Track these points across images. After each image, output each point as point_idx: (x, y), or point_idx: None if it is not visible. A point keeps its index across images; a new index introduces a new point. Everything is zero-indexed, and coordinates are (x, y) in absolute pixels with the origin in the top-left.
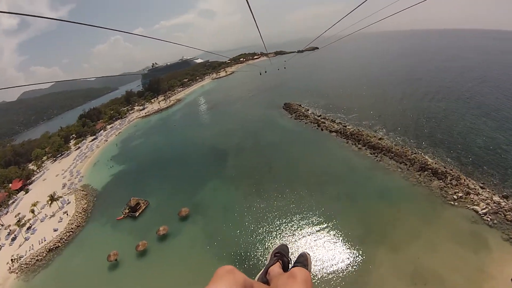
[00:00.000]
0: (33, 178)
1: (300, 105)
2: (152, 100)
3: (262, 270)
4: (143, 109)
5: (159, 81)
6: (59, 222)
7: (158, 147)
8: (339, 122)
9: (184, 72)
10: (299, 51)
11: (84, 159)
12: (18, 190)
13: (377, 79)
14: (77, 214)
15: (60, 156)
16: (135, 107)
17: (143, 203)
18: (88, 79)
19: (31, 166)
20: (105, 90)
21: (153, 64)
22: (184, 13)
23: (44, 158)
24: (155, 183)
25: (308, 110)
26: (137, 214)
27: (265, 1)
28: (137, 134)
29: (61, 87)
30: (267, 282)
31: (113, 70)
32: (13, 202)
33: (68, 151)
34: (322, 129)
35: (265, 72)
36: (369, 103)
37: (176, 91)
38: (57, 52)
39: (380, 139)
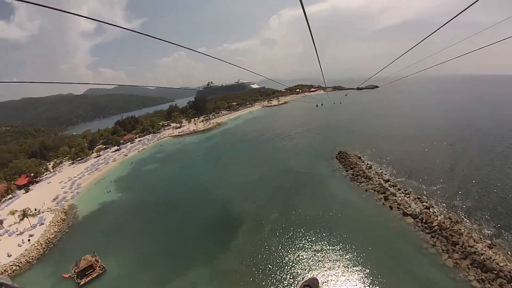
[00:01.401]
0: (43, 177)
1: (359, 158)
2: (193, 120)
3: None
4: (180, 127)
5: (205, 100)
6: (19, 245)
7: (166, 182)
8: (417, 198)
9: (235, 95)
10: (358, 88)
11: (93, 171)
12: (22, 187)
13: (458, 130)
14: (37, 244)
15: (79, 160)
16: (171, 124)
17: (98, 267)
18: (148, 87)
19: (50, 164)
20: (160, 100)
21: (209, 82)
22: (247, 39)
23: (66, 158)
24: (131, 239)
25: (370, 167)
26: (83, 282)
27: (323, 36)
28: (157, 157)
29: (123, 90)
30: None
31: (173, 83)
32: (10, 198)
33: (87, 157)
34: (391, 207)
35: (321, 104)
36: (454, 167)
37: (220, 113)
38: (125, 58)
39: (491, 245)
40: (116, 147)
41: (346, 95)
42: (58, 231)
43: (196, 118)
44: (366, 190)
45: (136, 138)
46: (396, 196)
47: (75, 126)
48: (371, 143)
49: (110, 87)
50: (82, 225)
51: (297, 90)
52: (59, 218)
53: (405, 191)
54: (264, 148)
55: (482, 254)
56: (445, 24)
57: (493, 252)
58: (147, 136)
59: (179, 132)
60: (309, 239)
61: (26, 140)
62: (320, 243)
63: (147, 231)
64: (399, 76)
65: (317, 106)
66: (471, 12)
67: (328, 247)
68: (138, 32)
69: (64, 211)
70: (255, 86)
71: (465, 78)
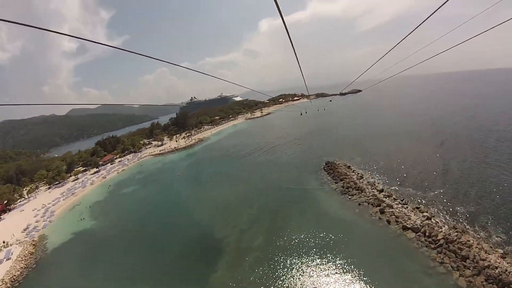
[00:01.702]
0: (16, 204)
1: (349, 167)
2: (174, 137)
3: None
4: (161, 145)
5: (186, 116)
6: None
7: (143, 206)
8: (416, 208)
9: (218, 109)
10: (341, 94)
11: (69, 196)
12: None
13: (446, 127)
14: (1, 283)
15: (56, 184)
16: (153, 142)
17: None
18: (131, 105)
19: (26, 189)
20: (144, 118)
21: (192, 98)
22: (229, 52)
23: (43, 182)
24: (102, 275)
25: (361, 177)
26: None
27: (305, 42)
28: (136, 178)
29: (107, 110)
30: None
31: (157, 100)
32: None
33: (64, 181)
34: (389, 221)
35: (306, 112)
36: (448, 167)
37: (203, 128)
38: (108, 77)
39: (504, 255)
40: (95, 169)
41: (330, 101)
42: (25, 267)
43: (178, 135)
44: (359, 204)
45: (116, 158)
46: (392, 208)
47: (58, 148)
48: (359, 150)
49: (93, 107)
50: (51, 259)
51: (281, 100)
52: (27, 251)
53: (402, 200)
54: (247, 163)
55: (496, 267)
56: (419, 25)
57: (508, 263)
58: (127, 156)
59: (160, 151)
60: (299, 268)
61: (4, 164)
62: (311, 271)
63: (117, 264)
64: (381, 78)
65: (301, 114)
66: (454, 6)
67: (321, 276)
68: (121, 49)
69: (34, 243)
70: (238, 98)
71: (450, 75)
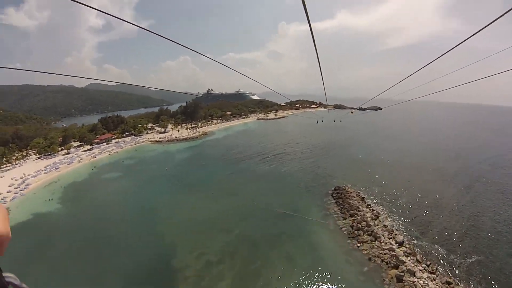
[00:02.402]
0: (1, 168)
1: (363, 199)
2: (179, 126)
3: None
4: (164, 132)
5: (197, 106)
6: None
7: (115, 199)
8: (447, 283)
9: (232, 105)
10: (360, 108)
11: (51, 171)
12: None
13: (473, 165)
14: None
15: (48, 155)
16: (156, 128)
17: None
18: (150, 88)
19: (16, 155)
20: (160, 103)
21: (208, 89)
22: (253, 50)
23: (34, 151)
24: (46, 270)
25: (377, 216)
26: None
27: (328, 52)
28: (124, 164)
29: (125, 88)
30: None
31: (175, 87)
32: None
33: (55, 153)
34: None
35: (322, 121)
36: (486, 224)
37: (211, 121)
38: (130, 57)
39: None
40: (88, 147)
41: (352, 112)
42: None
43: (183, 125)
44: (369, 259)
45: (114, 138)
46: (415, 277)
47: (71, 118)
48: (376, 177)
49: (112, 83)
50: None
51: (297, 105)
52: None
53: (428, 266)
54: (244, 170)
55: None
56: (446, 52)
57: None
58: (126, 138)
59: (159, 138)
60: None
61: (5, 126)
62: None
63: (62, 265)
64: (402, 99)
65: (317, 122)
66: (479, 38)
67: None
68: (146, 30)
69: None
70: (255, 97)
71: (469, 106)
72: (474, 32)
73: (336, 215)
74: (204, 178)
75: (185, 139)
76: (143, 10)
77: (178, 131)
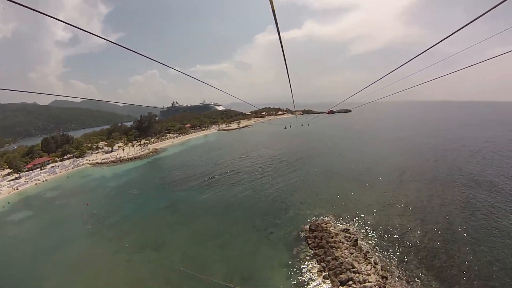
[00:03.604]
0: None
1: (355, 243)
2: (130, 143)
3: None
4: (111, 151)
5: (153, 120)
6: None
7: (8, 250)
8: None
9: (194, 117)
10: (329, 112)
11: None
12: None
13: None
14: None
15: None
16: (101, 148)
17: None
18: (117, 104)
19: None
20: (126, 118)
21: (173, 102)
22: (221, 62)
23: None
24: None
25: (371, 267)
26: None
27: (297, 60)
28: (44, 198)
29: (91, 105)
30: None
31: (144, 102)
32: None
33: None
34: None
35: (290, 126)
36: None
37: (166, 136)
38: (97, 72)
39: None
40: (16, 175)
41: (329, 112)
42: None
43: (135, 142)
44: None
45: (52, 162)
46: None
47: (31, 138)
48: (357, 196)
49: (77, 100)
50: None
51: (263, 113)
52: None
53: None
54: (183, 200)
55: None
56: (411, 59)
57: None
58: (65, 161)
59: (102, 159)
60: None
61: None
62: None
63: None
64: (366, 101)
65: (285, 128)
66: (440, 44)
67: None
68: (114, 43)
69: None
70: (220, 108)
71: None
72: (438, 41)
73: (312, 272)
74: (129, 215)
75: (130, 159)
76: (112, 23)
77: (123, 150)
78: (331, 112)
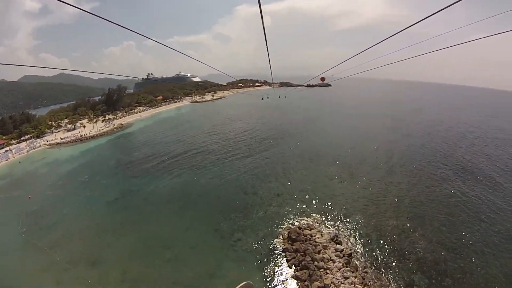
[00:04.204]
0: None
1: (340, 252)
2: (96, 118)
3: None
4: (73, 129)
5: (122, 93)
6: None
7: None
8: None
9: (167, 89)
10: (308, 85)
11: None
12: None
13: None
14: None
15: None
16: (64, 126)
17: None
18: (92, 77)
19: None
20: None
21: (148, 74)
22: (199, 33)
23: None
24: None
25: None
26: None
27: (278, 36)
28: None
29: (64, 79)
30: None
31: (119, 74)
32: None
33: None
34: None
35: (267, 98)
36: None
37: (135, 109)
38: (70, 44)
39: None
40: None
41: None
42: None
43: (100, 117)
44: None
45: (4, 146)
46: None
47: None
48: (344, 188)
49: (49, 74)
50: None
51: (240, 84)
52: None
53: None
54: (139, 189)
55: None
56: (389, 37)
57: None
58: (22, 144)
59: (61, 139)
60: None
61: None
62: None
63: None
64: (341, 76)
65: (262, 99)
66: (419, 24)
67: None
68: (88, 12)
69: None
70: (196, 79)
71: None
72: (416, 21)
73: None
74: (70, 214)
75: (92, 137)
76: None
77: (84, 127)
78: (309, 85)
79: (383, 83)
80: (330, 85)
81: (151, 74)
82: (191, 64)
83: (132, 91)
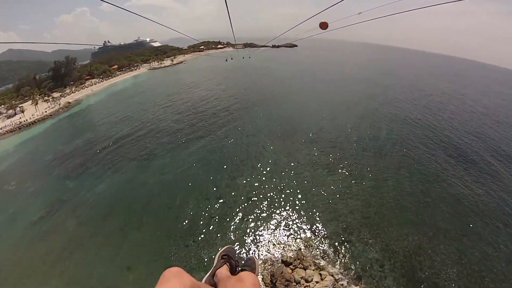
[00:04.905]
0: None
1: None
2: (41, 99)
3: (209, 272)
4: (15, 114)
5: (71, 65)
6: None
7: None
8: None
9: (123, 56)
10: (273, 46)
11: None
12: None
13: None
14: None
15: None
16: (5, 113)
17: None
18: (43, 50)
19: None
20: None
21: (105, 41)
22: None
23: None
24: None
25: None
26: None
27: None
28: None
29: (12, 56)
30: (214, 285)
31: (73, 44)
32: None
33: None
34: None
35: (231, 59)
36: None
37: (87, 83)
38: (15, 16)
39: None
40: None
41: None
42: None
43: (46, 96)
44: None
45: None
46: None
47: None
48: (330, 183)
49: None
50: None
51: (202, 47)
52: None
53: None
54: (70, 201)
55: None
56: None
57: None
58: None
59: None
60: None
61: None
62: None
63: None
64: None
65: (226, 60)
66: None
67: None
68: None
69: None
70: (157, 44)
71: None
72: None
73: None
74: None
75: (33, 123)
76: None
77: (23, 112)
78: (274, 46)
79: (355, 46)
80: (296, 46)
81: (108, 41)
82: (152, 28)
83: (88, 62)
